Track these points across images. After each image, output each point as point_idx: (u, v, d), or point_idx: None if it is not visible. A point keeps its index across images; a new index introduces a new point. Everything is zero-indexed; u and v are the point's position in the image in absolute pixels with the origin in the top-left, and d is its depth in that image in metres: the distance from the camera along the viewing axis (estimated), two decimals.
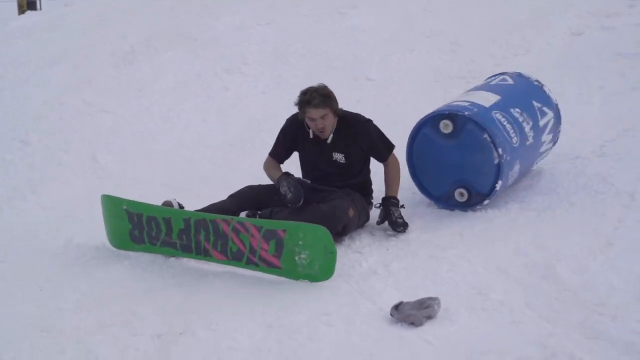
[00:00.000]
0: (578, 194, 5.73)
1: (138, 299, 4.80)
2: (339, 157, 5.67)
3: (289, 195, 5.47)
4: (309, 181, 5.70)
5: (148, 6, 11.81)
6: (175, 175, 7.33)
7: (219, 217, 5.19)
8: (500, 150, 5.52)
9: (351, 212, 5.50)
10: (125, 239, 5.65)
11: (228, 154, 7.75)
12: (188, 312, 4.55)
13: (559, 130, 6.31)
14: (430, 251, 5.12)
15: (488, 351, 3.78)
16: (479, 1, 10.31)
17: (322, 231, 4.83)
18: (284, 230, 4.89)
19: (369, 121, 5.72)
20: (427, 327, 4.10)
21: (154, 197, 5.93)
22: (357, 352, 3.90)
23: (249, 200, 5.67)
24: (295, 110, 5.70)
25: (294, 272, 4.91)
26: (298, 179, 5.67)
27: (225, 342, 4.08)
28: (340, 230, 5.46)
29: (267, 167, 5.87)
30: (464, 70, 8.72)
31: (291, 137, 5.81)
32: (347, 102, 8.31)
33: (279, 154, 5.89)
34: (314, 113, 5.50)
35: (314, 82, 9.03)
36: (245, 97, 8.93)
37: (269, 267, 5.00)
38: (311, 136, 5.70)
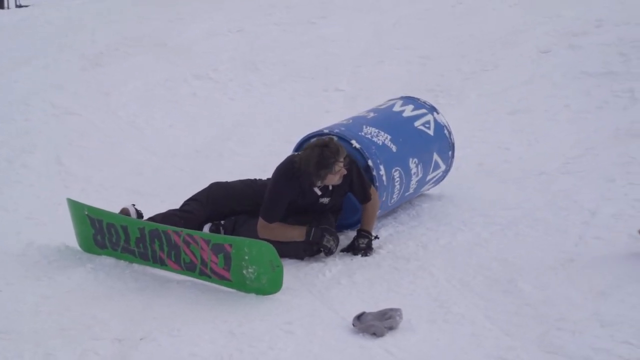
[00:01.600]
0: (542, 210, 5.80)
1: (99, 303, 4.76)
2: (324, 200, 5.54)
3: (334, 249, 5.41)
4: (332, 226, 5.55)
5: (119, 11, 11.79)
6: (142, 181, 7.29)
7: (170, 228, 5.19)
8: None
9: (315, 247, 5.46)
10: (90, 242, 5.62)
11: (195, 161, 7.73)
12: (149, 317, 4.53)
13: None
14: (393, 263, 5.14)
15: None
16: (450, 17, 10.42)
17: (266, 246, 4.82)
18: (230, 245, 4.90)
19: (352, 165, 5.46)
20: (389, 338, 4.11)
21: (120, 203, 5.89)
22: None
23: (221, 204, 5.62)
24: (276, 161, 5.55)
25: (243, 285, 4.91)
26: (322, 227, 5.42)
27: (187, 348, 4.06)
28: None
29: (277, 232, 5.37)
30: (432, 83, 8.80)
31: (285, 194, 5.42)
32: (316, 113, 8.37)
33: (278, 217, 5.40)
34: (341, 169, 5.27)
35: (283, 91, 9.18)
36: (214, 104, 8.93)
37: (220, 279, 5.00)
38: (299, 186, 5.42)
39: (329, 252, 5.41)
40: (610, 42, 9.10)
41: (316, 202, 5.51)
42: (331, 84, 9.13)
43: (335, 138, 5.42)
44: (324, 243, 5.34)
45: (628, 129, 7.18)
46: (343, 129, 5.89)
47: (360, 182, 5.49)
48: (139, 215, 5.62)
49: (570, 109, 7.75)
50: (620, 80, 8.23)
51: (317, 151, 5.21)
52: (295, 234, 5.39)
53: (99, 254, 5.56)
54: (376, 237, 5.57)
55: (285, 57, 9.90)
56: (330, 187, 5.45)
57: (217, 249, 4.94)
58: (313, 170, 5.22)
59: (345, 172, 5.32)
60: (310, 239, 5.36)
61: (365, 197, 5.53)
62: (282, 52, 10.06)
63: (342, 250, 5.50)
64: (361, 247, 5.44)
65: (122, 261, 5.45)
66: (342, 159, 5.25)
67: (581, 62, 8.69)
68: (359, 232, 5.55)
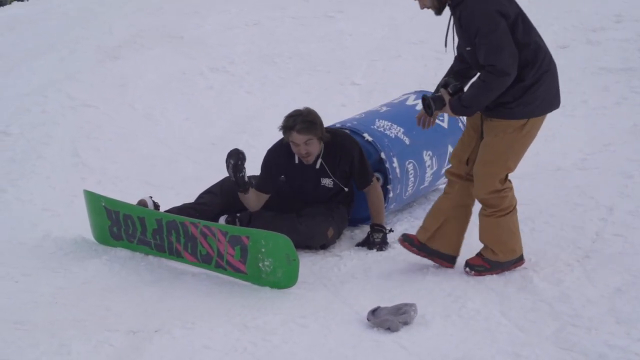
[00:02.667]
0: (558, 206, 5.77)
1: (114, 295, 4.78)
2: (327, 182, 5.58)
3: (230, 169, 5.41)
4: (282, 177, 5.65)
5: (136, 3, 11.79)
6: (157, 173, 7.30)
7: (187, 220, 5.20)
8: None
9: (330, 232, 5.47)
10: (106, 234, 5.64)
11: (210, 153, 7.73)
12: (164, 310, 4.54)
13: None
14: (408, 257, 5.12)
15: (462, 358, 3.80)
16: None
17: (283, 240, 4.81)
18: (247, 237, 4.90)
19: (355, 146, 5.56)
20: (403, 333, 4.11)
21: (135, 195, 5.91)
22: (332, 355, 3.90)
23: (235, 196, 5.64)
24: (275, 138, 5.63)
25: (258, 278, 4.91)
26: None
27: (200, 341, 4.07)
28: (318, 248, 5.47)
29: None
30: None
31: (273, 168, 5.62)
32: (331, 106, 8.35)
33: (264, 185, 5.61)
34: (297, 138, 5.35)
35: (299, 85, 9.18)
36: (230, 97, 8.92)
37: (236, 271, 5.00)
38: (296, 161, 5.56)
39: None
40: (629, 37, 9.03)
41: (318, 184, 5.54)
42: (347, 77, 9.11)
43: (313, 112, 5.45)
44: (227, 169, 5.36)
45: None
46: (355, 122, 5.90)
47: (360, 166, 5.50)
48: (156, 207, 5.64)
49: (588, 105, 7.70)
50: (639, 76, 8.17)
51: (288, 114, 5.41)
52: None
53: (115, 246, 5.58)
54: (390, 231, 5.56)
55: (301, 51, 9.88)
56: (319, 163, 5.48)
57: (234, 241, 4.94)
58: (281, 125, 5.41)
59: (305, 151, 5.37)
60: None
61: (363, 182, 5.54)
62: (298, 45, 10.05)
63: (357, 245, 5.50)
64: (376, 241, 5.44)
65: (137, 253, 5.47)
66: (299, 131, 5.30)
67: (599, 57, 8.64)
68: (372, 226, 5.54)
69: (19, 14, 11.78)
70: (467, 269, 4.85)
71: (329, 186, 5.57)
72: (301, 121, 5.34)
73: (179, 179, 7.12)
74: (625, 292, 4.38)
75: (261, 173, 5.67)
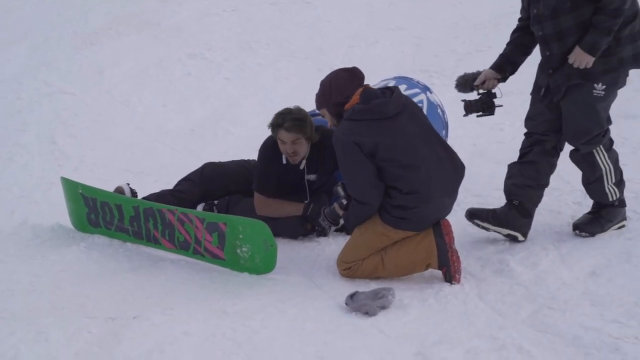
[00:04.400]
0: None
1: (92, 282, 4.77)
2: (311, 177, 5.55)
3: (328, 230, 5.42)
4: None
5: None
6: (135, 161, 7.29)
7: (164, 207, 5.20)
8: None
9: (309, 226, 5.46)
10: (84, 221, 5.63)
11: (189, 140, 7.73)
12: (142, 296, 4.54)
13: None
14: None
15: (439, 342, 3.82)
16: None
17: (260, 225, 4.82)
18: (225, 224, 4.90)
19: None
20: (381, 317, 4.13)
21: (113, 182, 5.90)
22: (311, 340, 3.92)
23: (214, 184, 5.64)
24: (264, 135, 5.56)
25: (236, 264, 4.92)
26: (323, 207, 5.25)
27: (180, 327, 4.07)
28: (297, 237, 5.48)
29: (274, 207, 5.45)
30: (426, 64, 8.79)
31: (272, 167, 5.49)
32: (309, 93, 8.33)
33: (272, 190, 5.46)
34: (285, 136, 5.27)
35: (278, 71, 9.16)
36: (208, 84, 8.90)
37: (214, 258, 5.01)
38: (284, 162, 5.47)
39: (323, 233, 5.42)
40: None
41: (302, 179, 5.52)
42: (325, 64, 9.09)
43: (302, 110, 5.41)
44: (320, 221, 5.22)
45: (620, 109, 7.14)
46: None
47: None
48: (133, 194, 5.63)
49: None
50: None
51: (279, 112, 5.36)
52: (292, 209, 5.41)
53: (93, 233, 5.57)
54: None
55: (279, 37, 9.86)
56: (303, 164, 5.44)
57: (212, 227, 4.95)
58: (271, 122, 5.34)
59: (292, 150, 5.30)
60: (308, 213, 5.37)
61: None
62: (276, 32, 10.03)
63: (336, 230, 5.51)
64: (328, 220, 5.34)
65: (115, 240, 5.46)
66: (287, 129, 5.23)
67: None
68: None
69: None
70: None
71: (312, 180, 5.57)
72: (290, 119, 5.26)
73: (157, 166, 7.11)
74: (600, 275, 4.43)
75: (264, 175, 5.47)
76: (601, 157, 4.87)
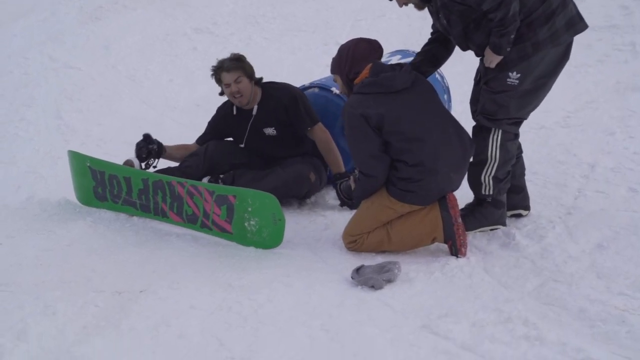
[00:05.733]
0: (541, 164, 5.81)
1: (99, 257, 4.78)
2: (270, 131, 5.65)
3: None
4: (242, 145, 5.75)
5: None
6: (141, 135, 7.26)
7: (174, 179, 5.19)
8: None
9: (312, 177, 5.53)
10: (90, 195, 5.63)
11: (195, 114, 7.71)
12: (149, 270, 4.55)
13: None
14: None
15: (445, 315, 3.82)
16: None
17: (269, 199, 4.82)
18: (234, 196, 4.90)
19: (287, 92, 5.64)
20: (387, 290, 4.13)
21: (119, 157, 5.90)
22: (317, 313, 3.93)
23: (219, 158, 5.69)
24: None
25: (244, 238, 4.92)
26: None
27: (186, 300, 4.08)
28: (304, 195, 5.51)
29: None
30: None
31: (218, 122, 5.85)
32: (316, 66, 8.33)
33: (203, 138, 5.89)
34: (226, 77, 5.51)
35: (284, 45, 9.13)
36: (214, 58, 8.81)
37: (221, 231, 5.02)
38: (234, 113, 5.71)
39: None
40: None
41: (262, 134, 5.65)
42: (331, 37, 9.07)
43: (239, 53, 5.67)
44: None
45: (629, 82, 7.15)
46: (324, 80, 5.92)
47: (294, 109, 5.56)
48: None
49: (570, 63, 7.52)
50: (622, 33, 8.18)
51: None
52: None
53: (99, 207, 5.58)
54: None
55: (285, 11, 9.82)
56: (255, 109, 5.63)
57: (221, 200, 4.94)
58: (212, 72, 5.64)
59: (237, 89, 5.52)
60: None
61: (301, 125, 5.58)
62: (282, 5, 9.99)
63: (341, 205, 5.51)
64: (341, 195, 5.43)
65: (122, 214, 5.47)
66: (227, 70, 5.50)
67: (583, 15, 8.59)
68: (335, 179, 5.56)
69: None
70: None
71: (274, 134, 5.62)
72: (228, 60, 5.54)
73: (164, 140, 7.06)
74: (606, 248, 4.42)
75: (207, 128, 5.92)
76: (493, 144, 4.71)
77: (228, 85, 5.53)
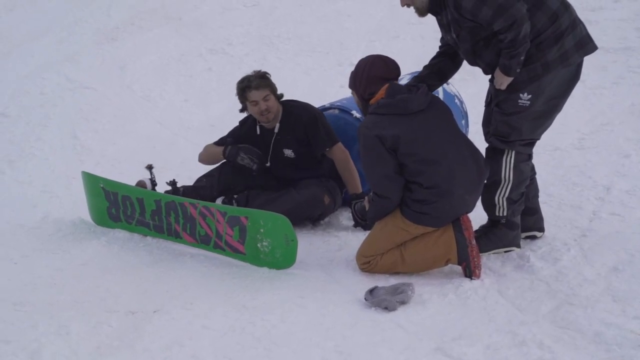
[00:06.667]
0: (556, 185, 5.79)
1: (113, 276, 4.79)
2: (288, 153, 5.66)
3: (255, 166, 5.58)
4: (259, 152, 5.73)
5: None
6: (156, 155, 7.30)
7: (186, 200, 5.21)
8: None
9: (326, 199, 5.52)
10: (104, 216, 5.66)
11: (209, 135, 7.70)
12: (162, 290, 4.55)
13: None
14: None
15: (459, 337, 3.81)
16: None
17: (281, 220, 4.81)
18: (246, 217, 4.91)
19: (306, 112, 5.63)
20: (400, 312, 4.12)
21: (134, 177, 5.92)
22: (330, 334, 3.92)
23: (233, 179, 5.71)
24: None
25: (257, 259, 4.92)
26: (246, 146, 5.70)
27: (199, 321, 4.08)
28: (317, 217, 5.52)
29: (205, 151, 5.91)
30: None
31: (241, 138, 5.78)
32: (330, 87, 8.35)
33: (224, 140, 5.84)
34: (255, 95, 5.48)
35: (298, 66, 9.16)
36: (229, 79, 8.88)
37: (234, 252, 5.02)
38: (258, 132, 5.70)
39: (250, 169, 5.59)
40: (626, 17, 9.02)
41: (282, 155, 5.64)
42: (346, 58, 9.09)
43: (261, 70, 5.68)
44: (238, 161, 5.57)
45: None
46: (345, 101, 5.90)
47: (313, 129, 5.55)
48: (153, 184, 5.66)
49: (585, 85, 7.68)
50: (637, 55, 8.18)
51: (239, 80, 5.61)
52: (217, 152, 5.76)
53: (113, 228, 5.60)
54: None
55: (300, 32, 9.86)
56: (277, 127, 5.62)
57: (233, 221, 4.95)
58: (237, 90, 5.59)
59: (265, 107, 5.49)
60: (226, 156, 5.66)
61: (319, 145, 5.57)
62: (297, 26, 10.03)
63: (354, 226, 5.50)
64: (355, 217, 5.37)
65: (136, 234, 5.49)
66: (256, 87, 5.47)
67: (597, 37, 8.44)
68: (351, 199, 5.51)
69: None
70: None
71: (292, 157, 5.63)
72: (255, 78, 5.51)
73: (178, 160, 7.13)
74: (622, 271, 4.39)
75: (228, 134, 5.90)
76: (506, 165, 4.70)
77: (256, 103, 5.50)
